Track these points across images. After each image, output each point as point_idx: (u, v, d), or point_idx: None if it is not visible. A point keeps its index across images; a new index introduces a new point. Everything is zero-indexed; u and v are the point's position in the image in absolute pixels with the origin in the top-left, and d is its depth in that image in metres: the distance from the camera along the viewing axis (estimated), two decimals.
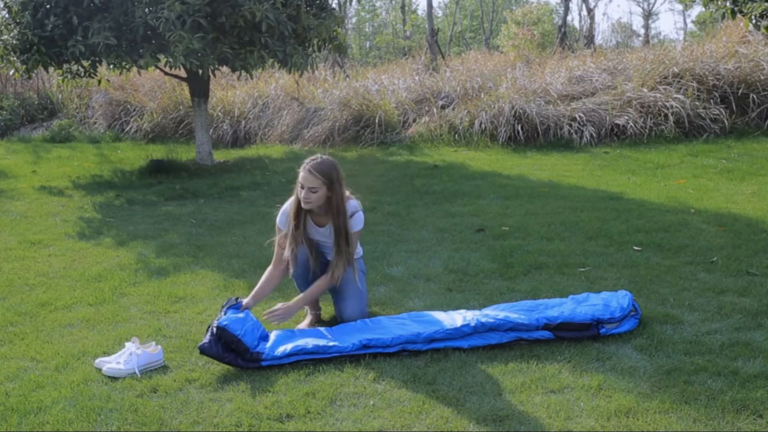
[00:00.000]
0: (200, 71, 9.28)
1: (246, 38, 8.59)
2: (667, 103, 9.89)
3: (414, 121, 11.48)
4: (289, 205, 3.91)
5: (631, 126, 9.80)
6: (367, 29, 44.65)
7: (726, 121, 9.74)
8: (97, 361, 3.52)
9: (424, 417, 2.95)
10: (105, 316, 4.21)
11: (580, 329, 3.62)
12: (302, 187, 3.74)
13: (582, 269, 4.83)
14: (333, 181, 3.74)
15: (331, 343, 3.53)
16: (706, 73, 10.24)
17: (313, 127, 11.58)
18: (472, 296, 4.35)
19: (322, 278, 3.87)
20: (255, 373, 3.39)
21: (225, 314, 3.55)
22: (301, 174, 3.74)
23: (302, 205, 3.79)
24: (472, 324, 3.59)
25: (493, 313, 3.72)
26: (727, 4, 7.82)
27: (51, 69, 9.62)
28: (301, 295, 3.88)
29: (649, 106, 10.00)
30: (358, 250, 4.06)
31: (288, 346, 3.50)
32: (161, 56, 8.69)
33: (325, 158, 3.78)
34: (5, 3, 8.84)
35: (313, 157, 3.79)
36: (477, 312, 3.77)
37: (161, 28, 7.93)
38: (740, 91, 10.04)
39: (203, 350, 3.42)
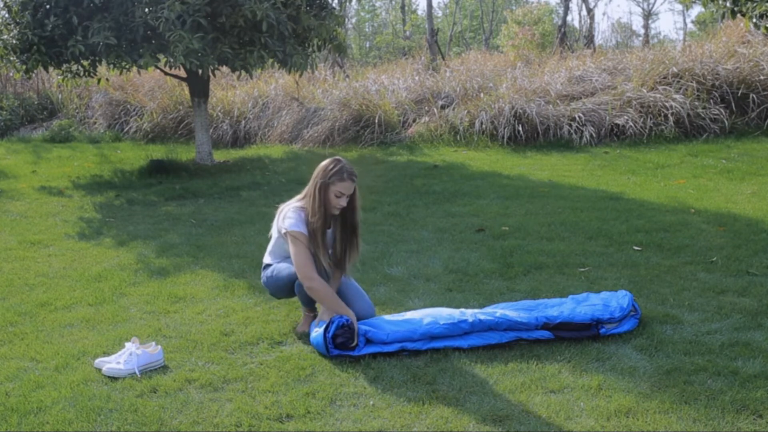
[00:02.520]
0: (200, 71, 9.28)
1: (246, 38, 8.59)
2: (666, 104, 9.89)
3: (414, 121, 11.49)
4: (298, 211, 3.81)
5: (630, 126, 9.80)
6: (367, 29, 44.63)
7: (726, 121, 9.74)
8: (97, 361, 3.52)
9: (424, 417, 2.95)
10: (105, 316, 4.21)
11: (579, 329, 3.62)
12: (338, 196, 3.73)
13: (582, 269, 4.83)
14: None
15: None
16: (706, 73, 10.24)
17: (313, 127, 11.58)
18: (472, 296, 4.35)
19: (336, 276, 3.89)
20: (255, 373, 3.39)
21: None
22: (342, 185, 3.71)
23: (335, 212, 3.78)
24: (470, 320, 3.59)
25: (491, 310, 3.73)
26: (727, 4, 7.81)
27: (51, 69, 9.62)
28: (333, 298, 3.78)
29: (649, 106, 10.00)
30: None
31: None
32: (161, 56, 8.70)
33: (346, 161, 3.79)
34: (5, 3, 8.84)
35: (339, 165, 3.73)
36: (476, 310, 3.77)
37: (161, 28, 7.93)
38: (740, 92, 10.04)
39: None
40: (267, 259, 4.05)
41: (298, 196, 3.93)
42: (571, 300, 3.93)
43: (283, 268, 3.91)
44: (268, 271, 3.99)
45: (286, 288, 3.92)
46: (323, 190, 3.74)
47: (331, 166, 3.75)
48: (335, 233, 3.90)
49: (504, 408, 2.98)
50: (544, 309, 3.76)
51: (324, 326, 3.57)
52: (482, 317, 3.62)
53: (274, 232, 3.98)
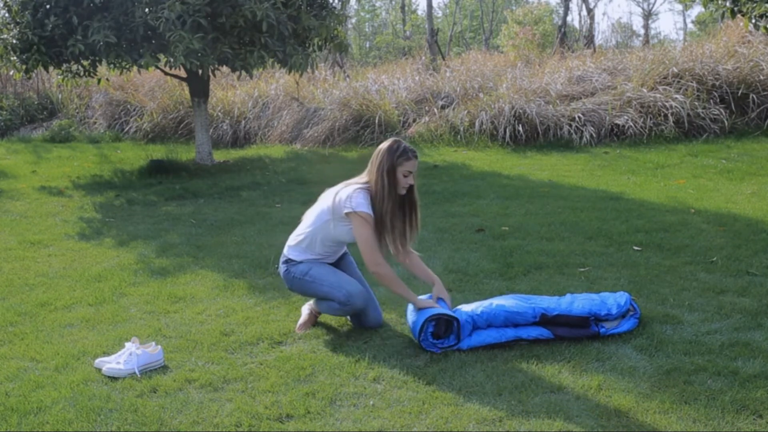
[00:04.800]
0: (200, 71, 9.28)
1: (246, 38, 8.60)
2: (666, 103, 9.89)
3: (414, 121, 11.49)
4: (364, 192, 3.71)
5: (630, 126, 9.80)
6: (367, 29, 44.64)
7: (726, 121, 9.74)
8: (97, 361, 3.52)
9: (424, 417, 2.95)
10: (105, 316, 4.21)
11: (577, 324, 3.61)
12: (406, 176, 3.70)
13: (582, 269, 4.83)
14: None
15: None
16: (706, 73, 10.24)
17: (313, 127, 11.59)
18: (472, 296, 4.34)
19: (409, 255, 3.90)
20: (255, 373, 3.39)
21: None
22: (409, 163, 3.68)
23: (402, 192, 3.74)
24: (468, 320, 3.59)
25: (487, 302, 3.72)
26: (727, 4, 7.81)
27: (51, 69, 9.62)
28: (400, 283, 3.76)
29: (649, 106, 10.00)
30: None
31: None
32: (161, 56, 8.70)
33: (402, 140, 3.79)
34: (5, 3, 8.85)
35: (402, 145, 3.70)
36: (473, 305, 3.75)
37: (161, 28, 7.93)
38: (740, 92, 10.04)
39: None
40: (292, 254, 3.88)
41: (354, 180, 3.81)
42: (568, 296, 3.94)
43: (324, 282, 3.78)
44: (298, 272, 3.83)
45: (313, 297, 3.90)
46: (392, 173, 3.68)
47: (395, 146, 3.71)
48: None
49: (504, 408, 2.98)
50: (540, 302, 3.76)
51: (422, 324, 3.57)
52: (479, 311, 3.63)
53: (321, 215, 3.79)
